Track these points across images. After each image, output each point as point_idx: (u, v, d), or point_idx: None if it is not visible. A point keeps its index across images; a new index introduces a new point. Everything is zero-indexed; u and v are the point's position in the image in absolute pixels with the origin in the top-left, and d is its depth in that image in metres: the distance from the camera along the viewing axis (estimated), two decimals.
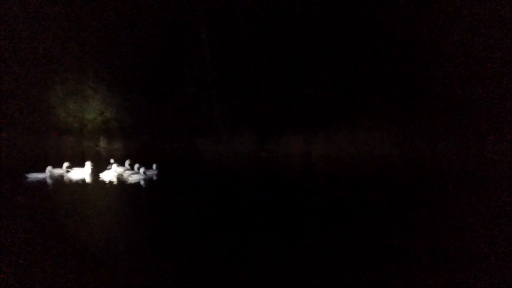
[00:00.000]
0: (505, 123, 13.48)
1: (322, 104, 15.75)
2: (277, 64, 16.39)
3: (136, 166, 11.09)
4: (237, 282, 4.20)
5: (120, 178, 10.56)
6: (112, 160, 11.50)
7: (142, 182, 10.32)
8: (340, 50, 15.42)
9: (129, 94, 18.90)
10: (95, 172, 10.97)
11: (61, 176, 10.69)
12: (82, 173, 10.94)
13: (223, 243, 5.40)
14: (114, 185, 9.93)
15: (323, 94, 15.75)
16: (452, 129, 14.18)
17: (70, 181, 10.28)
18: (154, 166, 11.44)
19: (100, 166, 11.52)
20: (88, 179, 10.46)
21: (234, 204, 7.93)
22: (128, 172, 10.98)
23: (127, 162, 11.40)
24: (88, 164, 11.08)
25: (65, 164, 10.88)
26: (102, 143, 19.40)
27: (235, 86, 17.16)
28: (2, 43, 18.76)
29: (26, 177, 10.18)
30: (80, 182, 10.16)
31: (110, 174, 10.75)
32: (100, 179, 10.45)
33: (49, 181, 10.15)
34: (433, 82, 14.47)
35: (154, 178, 10.96)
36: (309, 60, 15.91)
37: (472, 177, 10.77)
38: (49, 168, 10.58)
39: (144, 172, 10.80)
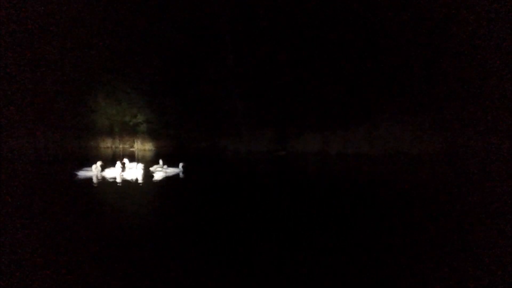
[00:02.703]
0: None
1: (339, 103, 15.70)
2: (295, 64, 16.57)
3: (161, 163, 12.13)
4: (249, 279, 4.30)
5: (146, 176, 11.45)
6: (126, 160, 12.47)
7: (166, 179, 11.12)
8: (356, 49, 15.33)
9: (158, 98, 20.05)
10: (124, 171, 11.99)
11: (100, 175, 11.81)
12: (114, 172, 11.95)
13: (236, 241, 5.56)
14: (139, 182, 10.76)
15: (339, 92, 15.71)
16: (473, 125, 13.61)
17: (103, 178, 11.30)
18: (180, 164, 12.33)
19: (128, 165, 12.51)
20: (118, 178, 11.40)
21: (249, 203, 8.25)
22: (157, 169, 11.99)
23: (161, 161, 12.48)
24: (118, 164, 12.07)
25: (99, 163, 11.93)
26: (136, 144, 20.76)
27: (255, 87, 17.59)
28: (45, 55, 20.70)
29: (76, 175, 11.43)
30: (112, 180, 11.15)
31: (134, 173, 11.70)
32: (126, 177, 11.40)
33: (95, 179, 11.16)
34: (453, 77, 13.99)
35: (181, 175, 11.78)
36: (327, 60, 15.94)
37: (492, 174, 10.35)
38: (94, 167, 11.76)
39: (165, 170, 11.69)
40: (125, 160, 12.43)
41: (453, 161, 13.08)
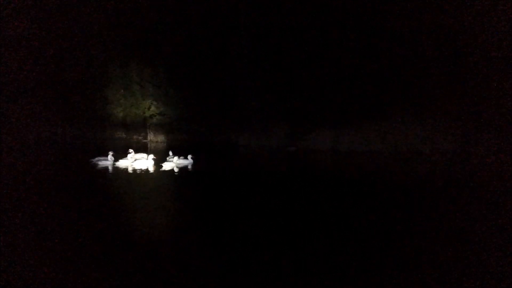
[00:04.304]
0: None
1: (350, 100, 15.56)
2: (308, 61, 16.51)
3: (171, 154, 12.43)
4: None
5: (156, 166, 11.75)
6: (131, 151, 12.82)
7: (176, 170, 11.36)
8: (370, 47, 15.14)
9: (172, 91, 20.36)
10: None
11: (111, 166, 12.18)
12: (126, 162, 12.28)
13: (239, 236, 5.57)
14: (150, 172, 11.05)
15: (352, 90, 15.57)
16: (487, 124, 13.23)
17: (116, 168, 11.70)
18: (189, 156, 12.52)
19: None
20: (129, 168, 11.73)
21: (252, 198, 8.32)
22: (168, 159, 12.30)
23: (170, 153, 12.70)
24: (130, 155, 12.41)
25: (110, 153, 12.29)
26: (149, 136, 21.15)
27: (268, 83, 17.61)
28: (62, 49, 21.19)
29: (96, 164, 11.98)
30: (123, 169, 11.52)
31: (145, 163, 12.10)
32: (137, 167, 11.72)
33: (111, 168, 11.64)
34: (467, 75, 13.65)
35: (189, 167, 11.96)
36: (340, 57, 15.81)
37: (504, 174, 10.10)
38: (109, 157, 12.23)
39: (175, 162, 12.01)
40: (131, 151, 12.77)
41: (466, 160, 12.83)
